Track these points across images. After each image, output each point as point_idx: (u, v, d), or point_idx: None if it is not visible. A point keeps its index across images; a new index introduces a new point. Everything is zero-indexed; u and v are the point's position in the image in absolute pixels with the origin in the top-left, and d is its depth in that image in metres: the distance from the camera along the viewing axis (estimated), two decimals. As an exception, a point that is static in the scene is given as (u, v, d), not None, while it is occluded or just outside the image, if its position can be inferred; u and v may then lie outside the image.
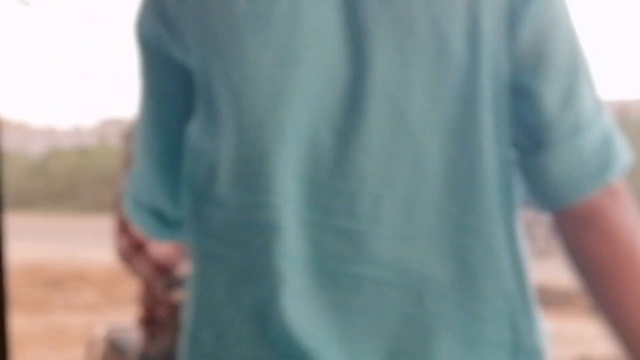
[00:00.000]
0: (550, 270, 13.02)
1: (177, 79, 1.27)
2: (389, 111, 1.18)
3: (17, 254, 12.61)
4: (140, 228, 1.41)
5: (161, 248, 2.25)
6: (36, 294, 10.26)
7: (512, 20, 1.20)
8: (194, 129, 1.25)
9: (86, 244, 13.15)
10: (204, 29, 1.21)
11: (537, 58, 1.21)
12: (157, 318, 2.35)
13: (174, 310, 2.26)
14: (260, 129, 1.18)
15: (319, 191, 1.18)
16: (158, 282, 2.25)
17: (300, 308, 1.17)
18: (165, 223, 1.36)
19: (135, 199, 1.38)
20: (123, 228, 2.30)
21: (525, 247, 1.23)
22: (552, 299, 9.84)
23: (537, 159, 1.21)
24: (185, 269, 2.25)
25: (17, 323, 8.23)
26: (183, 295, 2.22)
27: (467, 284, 1.18)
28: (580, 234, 1.20)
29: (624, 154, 1.25)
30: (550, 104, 1.20)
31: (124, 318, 3.04)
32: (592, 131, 1.22)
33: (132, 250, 2.28)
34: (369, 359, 1.16)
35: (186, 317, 1.28)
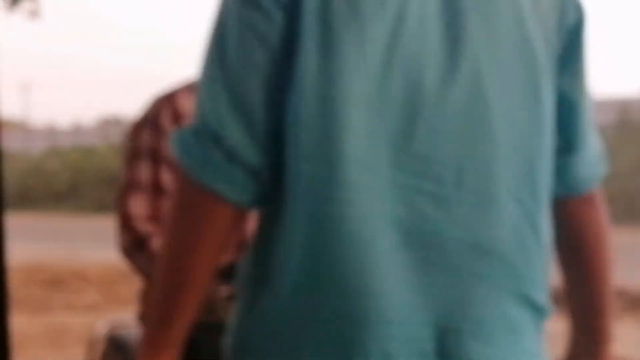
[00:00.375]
0: (550, 270, 12.97)
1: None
2: (475, 94, 1.36)
3: (18, 254, 12.61)
4: (226, 190, 1.34)
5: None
6: (36, 294, 10.26)
7: (565, 39, 1.44)
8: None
9: (86, 244, 13.16)
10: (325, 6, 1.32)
11: (577, 75, 1.47)
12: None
13: None
14: (368, 99, 1.32)
15: (413, 159, 1.33)
16: None
17: (388, 262, 1.32)
18: (258, 181, 1.35)
19: (226, 152, 1.33)
20: (125, 224, 2.29)
21: None
22: (552, 299, 9.85)
23: (567, 158, 1.49)
24: None
25: (18, 323, 8.22)
26: None
27: (519, 251, 1.39)
28: (583, 210, 1.53)
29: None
30: (584, 114, 1.50)
31: (125, 316, 3.04)
32: (593, 134, 1.54)
33: (134, 246, 2.27)
34: (440, 306, 1.33)
35: (257, 271, 1.37)
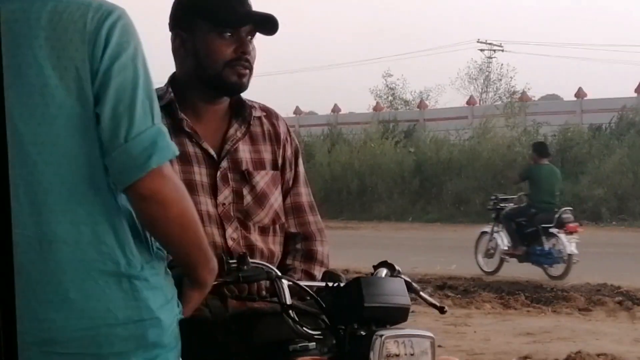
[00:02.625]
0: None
1: None
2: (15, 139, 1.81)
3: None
4: None
5: None
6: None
7: (94, 74, 1.87)
8: None
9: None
10: None
11: (99, 97, 1.86)
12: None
13: None
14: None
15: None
16: None
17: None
18: None
19: None
20: None
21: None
22: (548, 296, 9.96)
23: (106, 159, 1.86)
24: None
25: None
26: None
27: (94, 240, 1.86)
28: (144, 206, 1.87)
29: (167, 149, 1.88)
30: (105, 125, 1.86)
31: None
32: (141, 137, 1.86)
33: None
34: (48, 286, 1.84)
35: None
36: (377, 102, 34.79)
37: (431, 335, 2.27)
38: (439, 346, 7.91)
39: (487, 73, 40.04)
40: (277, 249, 2.51)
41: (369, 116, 29.47)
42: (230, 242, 2.41)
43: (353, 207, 23.70)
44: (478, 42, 40.62)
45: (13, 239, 1.72)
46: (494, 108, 27.31)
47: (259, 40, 2.49)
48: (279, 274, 2.25)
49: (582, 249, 12.02)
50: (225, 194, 2.46)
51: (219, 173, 2.46)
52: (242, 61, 2.43)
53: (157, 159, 1.86)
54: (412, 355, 2.21)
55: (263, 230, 2.49)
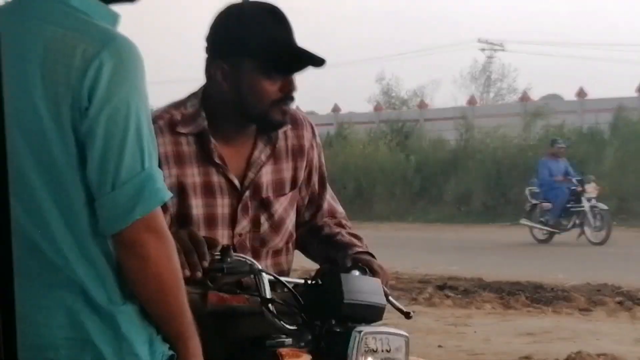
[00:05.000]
0: (547, 269, 13.03)
1: None
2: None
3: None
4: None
5: None
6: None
7: (79, 114, 1.80)
8: None
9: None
10: None
11: (87, 141, 1.81)
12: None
13: None
14: None
15: None
16: None
17: None
18: None
19: None
20: None
21: None
22: (549, 296, 9.97)
23: (95, 203, 1.82)
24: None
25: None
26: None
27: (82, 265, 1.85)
28: (124, 256, 1.84)
29: (155, 197, 1.84)
30: (94, 171, 1.82)
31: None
32: (128, 185, 1.82)
33: None
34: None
35: None
36: (377, 102, 34.81)
37: (406, 334, 2.34)
38: (439, 346, 7.93)
39: (488, 73, 40.06)
40: (286, 268, 2.55)
41: (369, 116, 29.45)
42: None
43: (353, 207, 23.70)
44: (479, 41, 40.67)
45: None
46: (495, 108, 27.30)
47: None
48: (260, 267, 2.26)
49: (583, 248, 11.97)
50: (242, 225, 2.46)
51: (240, 204, 2.45)
52: (288, 99, 2.40)
53: (141, 209, 1.82)
54: (388, 351, 2.28)
55: (276, 254, 2.52)
